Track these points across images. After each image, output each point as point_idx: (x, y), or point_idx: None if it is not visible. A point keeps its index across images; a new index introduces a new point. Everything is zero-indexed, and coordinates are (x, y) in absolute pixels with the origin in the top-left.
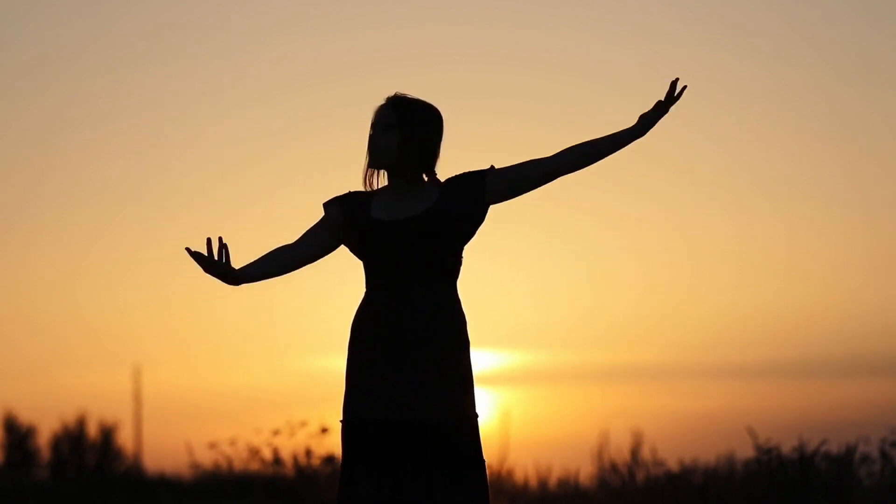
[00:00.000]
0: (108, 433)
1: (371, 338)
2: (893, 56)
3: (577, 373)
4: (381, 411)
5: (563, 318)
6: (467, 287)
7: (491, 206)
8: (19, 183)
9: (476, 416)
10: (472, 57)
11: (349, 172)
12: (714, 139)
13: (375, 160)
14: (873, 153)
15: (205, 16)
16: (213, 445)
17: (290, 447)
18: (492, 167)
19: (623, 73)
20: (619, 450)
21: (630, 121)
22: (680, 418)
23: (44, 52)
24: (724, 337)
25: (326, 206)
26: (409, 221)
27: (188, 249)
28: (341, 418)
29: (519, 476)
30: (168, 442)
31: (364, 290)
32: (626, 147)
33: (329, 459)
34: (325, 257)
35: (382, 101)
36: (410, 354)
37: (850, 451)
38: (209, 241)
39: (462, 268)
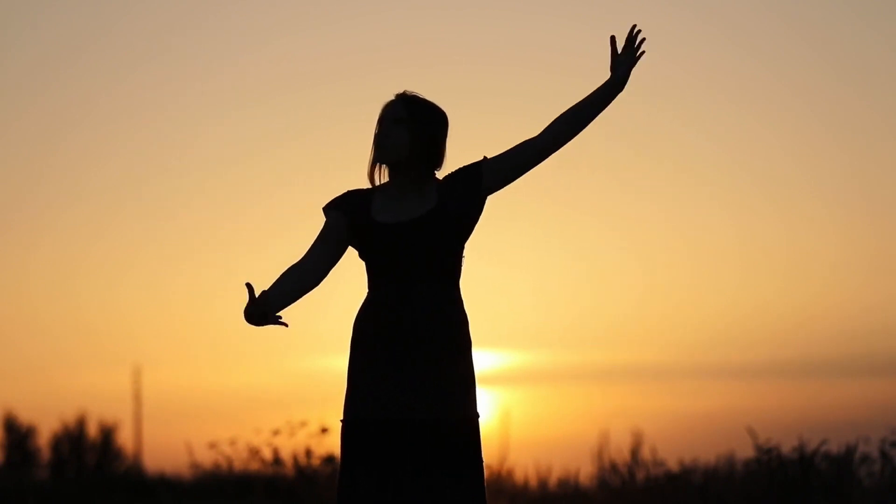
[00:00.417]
0: (108, 433)
1: (372, 338)
2: (893, 56)
3: (577, 373)
4: (381, 411)
5: (563, 318)
6: (468, 287)
7: (490, 207)
8: (19, 183)
9: (477, 416)
10: (472, 57)
11: (349, 172)
12: (714, 139)
13: (384, 154)
14: (873, 153)
15: (205, 16)
16: (213, 445)
17: (290, 447)
18: (485, 158)
19: None
20: (619, 450)
21: (631, 120)
22: (680, 418)
23: (44, 52)
24: (724, 337)
25: (327, 210)
26: (412, 223)
27: (249, 285)
28: (342, 418)
29: (519, 476)
30: (168, 442)
31: (365, 289)
32: (607, 107)
33: (329, 459)
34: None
35: (391, 98)
36: (412, 354)
37: (850, 451)
38: (250, 286)
39: (463, 268)
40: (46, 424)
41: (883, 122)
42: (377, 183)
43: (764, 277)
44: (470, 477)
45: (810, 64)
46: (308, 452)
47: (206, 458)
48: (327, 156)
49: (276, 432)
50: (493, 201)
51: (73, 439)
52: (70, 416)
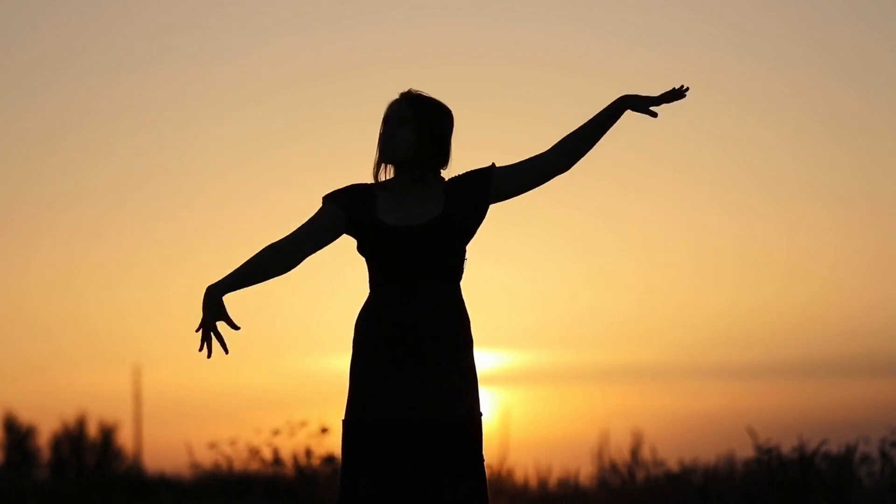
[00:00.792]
0: (108, 433)
1: (374, 338)
2: (893, 56)
3: (577, 373)
4: (383, 411)
5: (563, 318)
6: (468, 287)
7: (491, 207)
8: (19, 183)
9: (480, 415)
10: (473, 57)
11: (349, 172)
12: (714, 139)
13: (388, 154)
14: (873, 153)
15: (205, 16)
16: (213, 445)
17: (290, 447)
18: (493, 165)
19: (623, 73)
20: (619, 450)
21: (631, 120)
22: (680, 418)
23: (44, 53)
24: (724, 337)
25: (326, 200)
26: (418, 228)
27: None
28: (343, 418)
29: (519, 476)
30: (168, 442)
31: (366, 289)
32: (610, 130)
33: (329, 459)
34: (324, 252)
35: (396, 97)
36: (414, 354)
37: (850, 451)
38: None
39: (465, 268)
40: (46, 424)
41: (883, 122)
42: (382, 179)
43: (764, 277)
44: (472, 477)
45: (810, 64)
46: (308, 452)
47: (206, 458)
48: (327, 156)
49: (276, 432)
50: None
51: (73, 439)
52: (70, 416)
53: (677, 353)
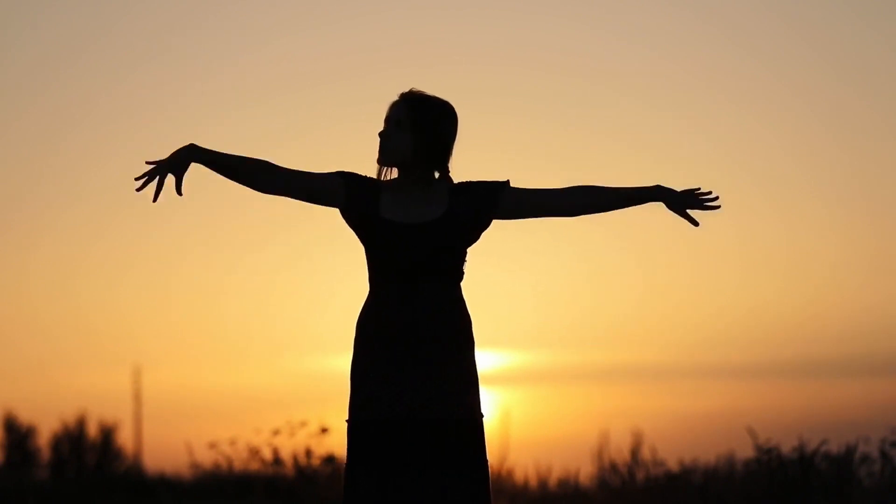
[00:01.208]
0: (108, 433)
1: (374, 338)
2: (893, 56)
3: (577, 373)
4: (386, 411)
5: (563, 318)
6: (468, 287)
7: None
8: (19, 183)
9: (481, 416)
10: (473, 57)
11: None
12: (714, 139)
13: (387, 157)
14: (873, 153)
15: (205, 16)
16: (213, 445)
17: (290, 447)
18: (507, 183)
19: (623, 73)
20: (619, 450)
21: (630, 121)
22: (680, 418)
23: (44, 52)
24: (724, 337)
25: (339, 173)
26: (419, 227)
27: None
28: (347, 418)
29: (519, 476)
30: (168, 442)
31: (366, 289)
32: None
33: (329, 459)
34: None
35: (396, 98)
36: (414, 354)
37: (850, 451)
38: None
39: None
40: (46, 424)
41: (883, 122)
42: (385, 179)
43: (764, 277)
44: (474, 477)
45: (810, 64)
46: (308, 452)
47: (206, 458)
48: (327, 156)
49: (276, 432)
50: None
51: (73, 439)
52: (70, 416)
53: (677, 353)
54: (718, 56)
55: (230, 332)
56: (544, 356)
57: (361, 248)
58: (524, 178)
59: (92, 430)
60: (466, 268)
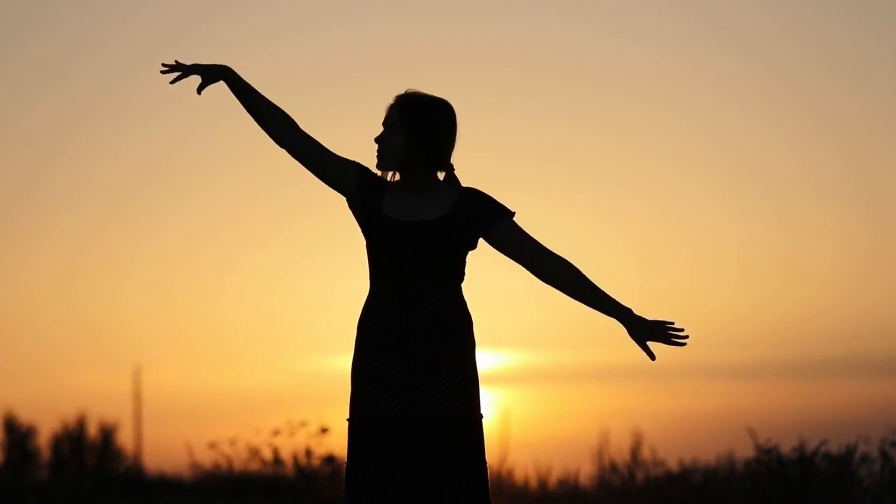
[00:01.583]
0: (108, 433)
1: (374, 336)
2: (893, 56)
3: (577, 373)
4: (384, 410)
5: (563, 318)
6: (468, 287)
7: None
8: (20, 183)
9: (480, 416)
10: (473, 57)
11: None
12: (713, 139)
13: (383, 162)
14: (873, 153)
15: (205, 16)
16: (213, 445)
17: (290, 447)
18: (512, 215)
19: (623, 73)
20: (619, 450)
21: (630, 120)
22: (680, 418)
23: (44, 53)
24: (723, 337)
25: (356, 163)
26: (419, 225)
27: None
28: (348, 416)
29: (519, 476)
30: (168, 442)
31: (367, 288)
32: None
33: (329, 459)
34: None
35: (392, 100)
36: (415, 353)
37: (850, 451)
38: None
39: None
40: (46, 424)
41: (882, 122)
42: (392, 180)
43: (763, 277)
44: (473, 477)
45: (810, 64)
46: (308, 452)
47: (206, 458)
48: None
49: (276, 432)
50: None
51: (73, 439)
52: (70, 416)
53: (676, 352)
54: (718, 56)
55: (230, 332)
56: (544, 356)
57: (361, 249)
58: (524, 178)
59: (92, 430)
60: (467, 268)
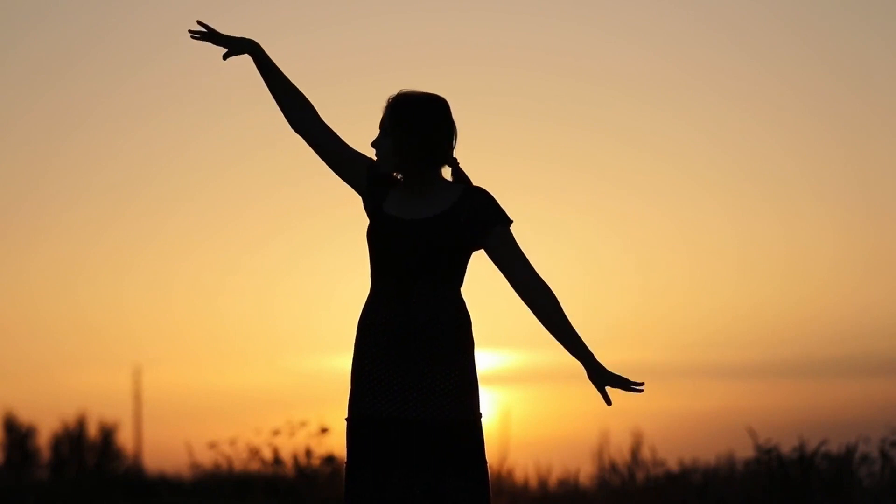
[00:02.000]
0: (108, 433)
1: (372, 335)
2: (893, 56)
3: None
4: (381, 410)
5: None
6: (468, 287)
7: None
8: (20, 183)
9: (480, 416)
10: (473, 57)
11: None
12: (713, 139)
13: (380, 165)
14: (872, 153)
15: (205, 16)
16: (213, 445)
17: (290, 447)
18: (508, 223)
19: (623, 73)
20: (619, 450)
21: (630, 120)
22: (680, 418)
23: (45, 53)
24: (723, 337)
25: (369, 159)
26: (415, 223)
27: (192, 32)
28: (346, 416)
29: (519, 476)
30: (168, 442)
31: (365, 292)
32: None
33: (329, 459)
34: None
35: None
36: (414, 354)
37: (850, 451)
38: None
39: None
40: (46, 424)
41: (882, 122)
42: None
43: (763, 277)
44: (473, 477)
45: (810, 64)
46: (308, 452)
47: (206, 458)
48: None
49: (276, 432)
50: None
51: (73, 439)
52: (70, 416)
53: (677, 353)
54: (718, 56)
55: (230, 332)
56: (544, 356)
57: (361, 249)
58: (524, 178)
59: (92, 430)
60: (467, 268)
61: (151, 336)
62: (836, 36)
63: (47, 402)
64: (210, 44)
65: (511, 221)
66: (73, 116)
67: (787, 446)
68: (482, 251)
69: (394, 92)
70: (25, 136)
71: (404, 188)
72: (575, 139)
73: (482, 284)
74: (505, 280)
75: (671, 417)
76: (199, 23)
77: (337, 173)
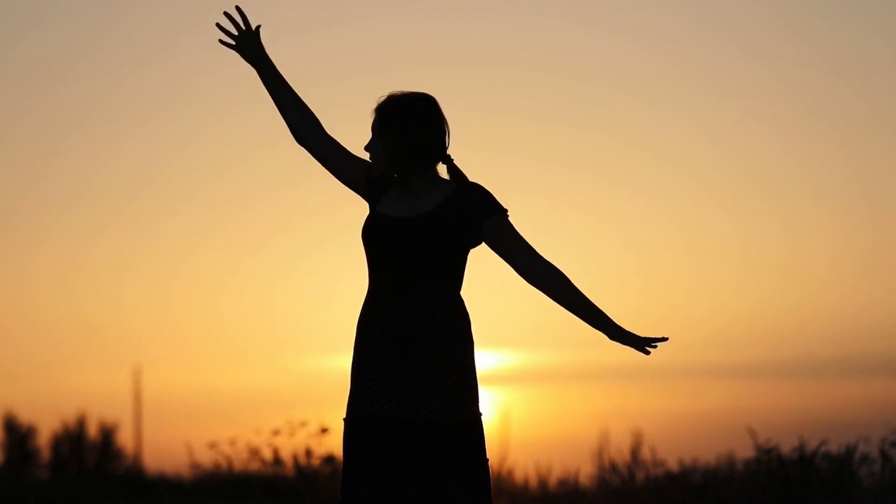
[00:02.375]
0: (108, 433)
1: (370, 335)
2: (893, 56)
3: (577, 373)
4: (379, 410)
5: (563, 318)
6: (468, 287)
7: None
8: (20, 183)
9: (480, 415)
10: (473, 57)
11: None
12: (713, 139)
13: (374, 167)
14: (872, 153)
15: (206, 15)
16: (213, 445)
17: (290, 447)
18: (504, 213)
19: (623, 73)
20: (619, 450)
21: (630, 120)
22: (680, 418)
23: (45, 53)
24: (723, 337)
25: (367, 162)
26: (407, 220)
27: (220, 25)
28: (345, 416)
29: (519, 476)
30: (168, 442)
31: (365, 292)
32: (591, 312)
33: (329, 459)
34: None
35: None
36: (413, 353)
37: (850, 451)
38: (229, 15)
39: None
40: (46, 424)
41: (882, 122)
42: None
43: (763, 277)
44: (473, 476)
45: (810, 64)
46: (308, 452)
47: (206, 458)
48: None
49: (276, 432)
50: None
51: (73, 439)
52: (70, 416)
53: (676, 353)
54: (717, 56)
55: (230, 332)
56: (544, 356)
57: (361, 249)
58: (524, 178)
59: (92, 430)
60: (467, 268)
61: (151, 336)
62: (836, 36)
63: (47, 402)
64: (222, 36)
65: (506, 211)
66: (73, 116)
67: (787, 446)
68: (485, 249)
69: (384, 94)
70: (25, 136)
71: (400, 188)
72: (575, 139)
73: (482, 284)
74: (505, 280)
75: (671, 417)
76: (237, 8)
77: (341, 181)
